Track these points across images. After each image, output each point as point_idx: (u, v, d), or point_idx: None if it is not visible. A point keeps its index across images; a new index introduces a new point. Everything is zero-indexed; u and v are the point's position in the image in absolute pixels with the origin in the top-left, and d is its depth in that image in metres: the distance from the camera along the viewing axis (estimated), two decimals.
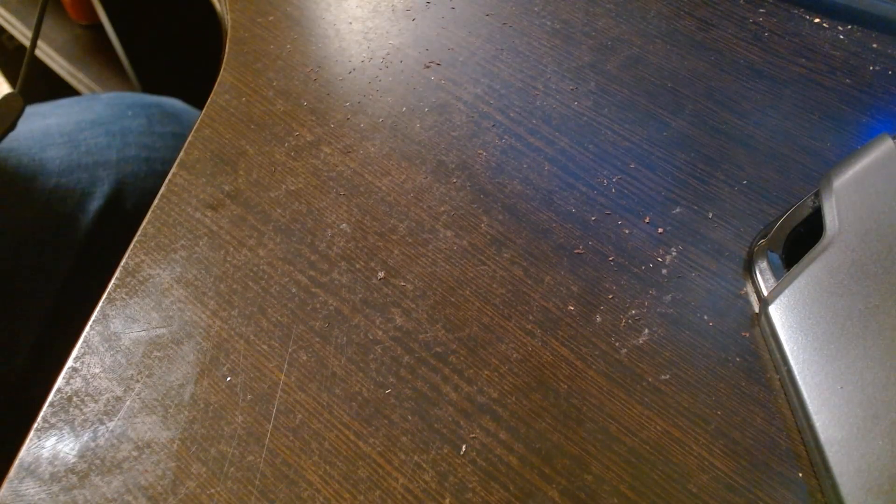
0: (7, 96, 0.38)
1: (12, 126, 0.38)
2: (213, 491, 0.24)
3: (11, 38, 1.08)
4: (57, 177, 0.46)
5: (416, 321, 0.27)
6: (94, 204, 0.46)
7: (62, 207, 0.45)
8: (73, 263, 0.44)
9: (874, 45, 0.37)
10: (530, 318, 0.28)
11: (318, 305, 0.28)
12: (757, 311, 0.28)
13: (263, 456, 0.24)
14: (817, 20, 0.38)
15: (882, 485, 0.22)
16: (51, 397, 0.25)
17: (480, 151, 0.33)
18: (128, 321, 0.27)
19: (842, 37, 0.38)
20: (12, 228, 0.43)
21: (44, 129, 0.48)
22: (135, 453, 0.24)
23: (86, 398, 0.25)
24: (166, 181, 0.31)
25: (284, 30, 0.37)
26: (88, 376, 0.26)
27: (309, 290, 0.28)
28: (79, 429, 0.25)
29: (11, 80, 1.11)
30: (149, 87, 0.83)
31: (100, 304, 0.27)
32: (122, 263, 0.28)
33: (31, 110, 0.51)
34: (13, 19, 0.94)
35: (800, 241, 0.28)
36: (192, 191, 0.31)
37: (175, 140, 0.53)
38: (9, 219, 0.43)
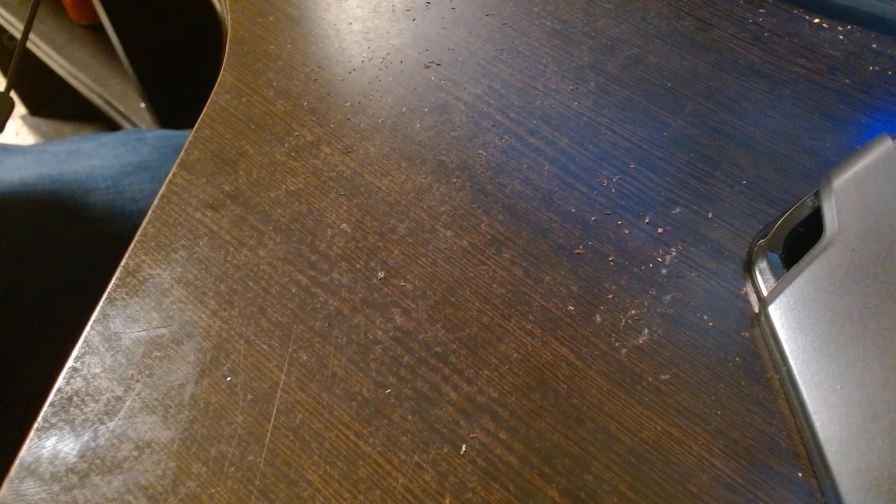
0: None
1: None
2: (213, 491, 0.24)
3: (12, 38, 1.08)
4: (99, 224, 0.45)
5: (416, 321, 0.27)
6: None
7: (102, 257, 0.44)
8: None
9: (873, 46, 0.37)
10: (530, 318, 0.28)
11: (318, 305, 0.28)
12: (757, 311, 0.28)
13: (263, 456, 0.24)
14: (817, 20, 0.38)
15: (881, 484, 0.22)
16: (51, 397, 0.25)
17: (480, 151, 0.33)
18: (128, 321, 0.27)
19: (841, 37, 0.38)
20: (48, 276, 0.42)
21: (88, 171, 0.47)
22: (135, 453, 0.24)
23: (86, 398, 0.25)
24: (166, 181, 0.31)
25: (284, 30, 0.37)
26: (89, 376, 0.26)
27: (309, 289, 0.28)
28: (79, 428, 0.25)
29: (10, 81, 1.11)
30: (149, 87, 0.83)
31: (100, 304, 0.27)
32: (122, 263, 0.28)
33: (75, 147, 0.50)
34: (13, 19, 0.95)
35: (799, 241, 0.28)
36: (192, 191, 0.31)
37: None
38: (45, 265, 0.42)
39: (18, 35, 0.97)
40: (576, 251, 0.29)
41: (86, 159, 0.49)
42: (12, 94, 0.38)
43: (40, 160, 0.46)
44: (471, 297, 0.28)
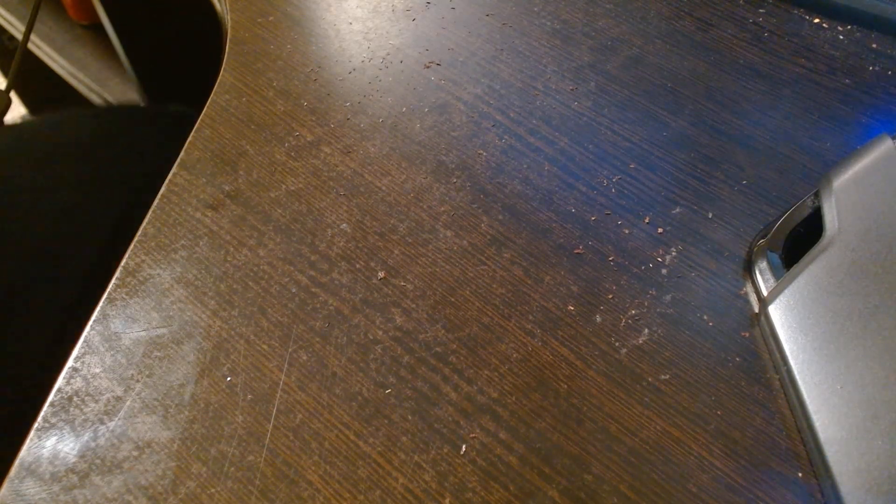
0: None
1: None
2: (213, 491, 0.24)
3: (12, 38, 1.08)
4: (73, 193, 0.45)
5: (416, 321, 0.27)
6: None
7: (76, 230, 0.44)
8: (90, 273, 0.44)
9: (873, 46, 0.37)
10: (530, 318, 0.28)
11: (318, 305, 0.28)
12: (756, 311, 0.28)
13: (263, 456, 0.24)
14: (817, 20, 0.38)
15: (881, 485, 0.22)
16: (51, 397, 0.25)
17: (480, 151, 0.33)
18: (128, 321, 0.27)
19: (841, 37, 0.38)
20: (22, 250, 0.42)
21: (60, 143, 0.48)
22: (135, 453, 0.24)
23: (86, 398, 0.25)
24: (167, 181, 0.31)
25: (284, 30, 0.37)
26: (89, 376, 0.26)
27: (309, 290, 0.28)
28: (79, 428, 0.25)
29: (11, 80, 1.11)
30: (149, 87, 0.83)
31: (100, 304, 0.27)
32: (122, 263, 0.28)
33: (51, 119, 0.50)
34: (13, 19, 0.95)
35: (799, 241, 0.28)
36: (192, 191, 0.31)
37: None
38: (18, 241, 0.42)
39: (19, 35, 0.97)
40: (576, 251, 0.29)
41: (58, 131, 0.49)
42: (11, 93, 0.38)
43: (14, 132, 0.46)
44: (471, 297, 0.28)
